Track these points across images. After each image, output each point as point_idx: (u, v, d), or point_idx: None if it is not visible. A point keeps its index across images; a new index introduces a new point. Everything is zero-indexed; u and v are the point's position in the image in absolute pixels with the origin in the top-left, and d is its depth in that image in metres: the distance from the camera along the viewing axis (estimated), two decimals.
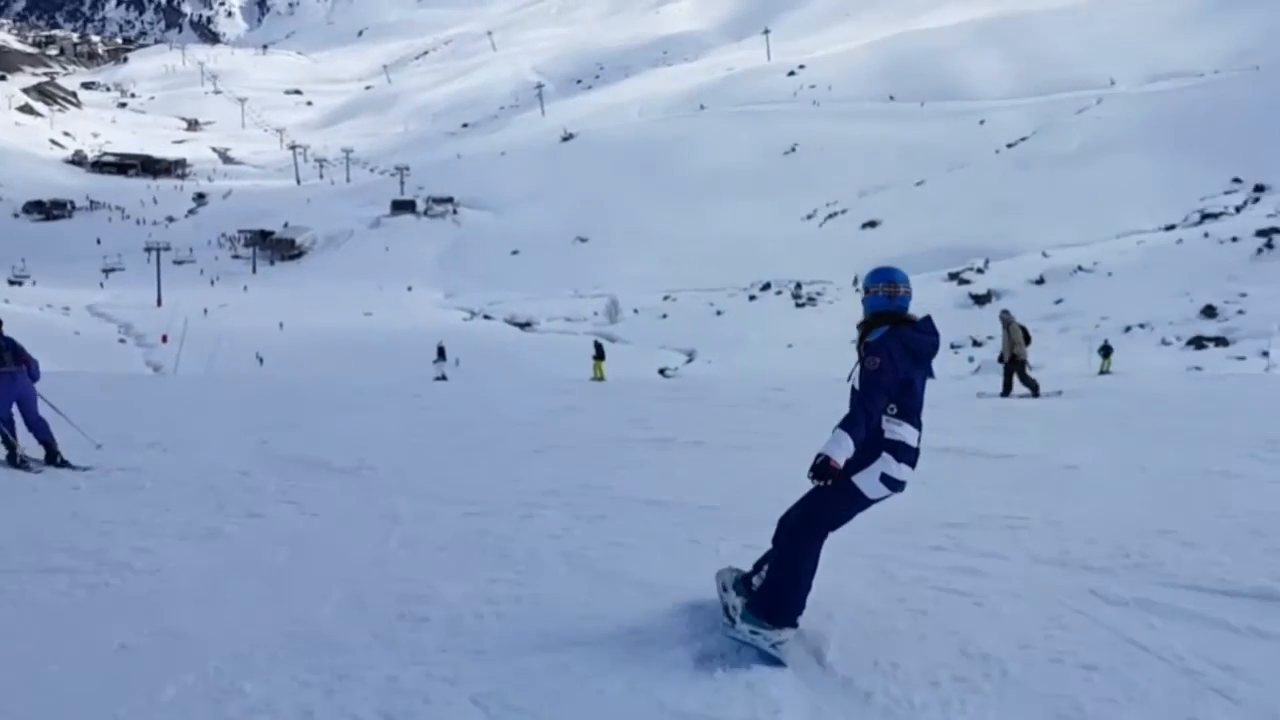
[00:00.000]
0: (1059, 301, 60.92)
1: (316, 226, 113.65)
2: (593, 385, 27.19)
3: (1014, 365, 18.82)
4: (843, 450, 4.60)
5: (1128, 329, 53.11)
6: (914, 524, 6.96)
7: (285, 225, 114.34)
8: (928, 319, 5.02)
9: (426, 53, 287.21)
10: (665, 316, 74.12)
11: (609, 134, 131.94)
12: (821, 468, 4.56)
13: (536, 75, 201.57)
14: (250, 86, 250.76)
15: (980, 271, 71.64)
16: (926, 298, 66.11)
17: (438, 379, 38.69)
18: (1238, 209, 73.95)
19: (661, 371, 55.13)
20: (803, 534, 5.00)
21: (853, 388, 4.85)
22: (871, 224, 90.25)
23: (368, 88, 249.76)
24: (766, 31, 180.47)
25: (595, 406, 17.28)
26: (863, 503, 4.94)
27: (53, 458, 10.49)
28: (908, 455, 4.91)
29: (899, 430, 4.89)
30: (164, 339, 64.84)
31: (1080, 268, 65.97)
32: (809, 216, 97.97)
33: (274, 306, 76.73)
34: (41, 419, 10.66)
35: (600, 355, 34.89)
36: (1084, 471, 9.32)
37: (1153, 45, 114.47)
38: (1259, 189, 76.48)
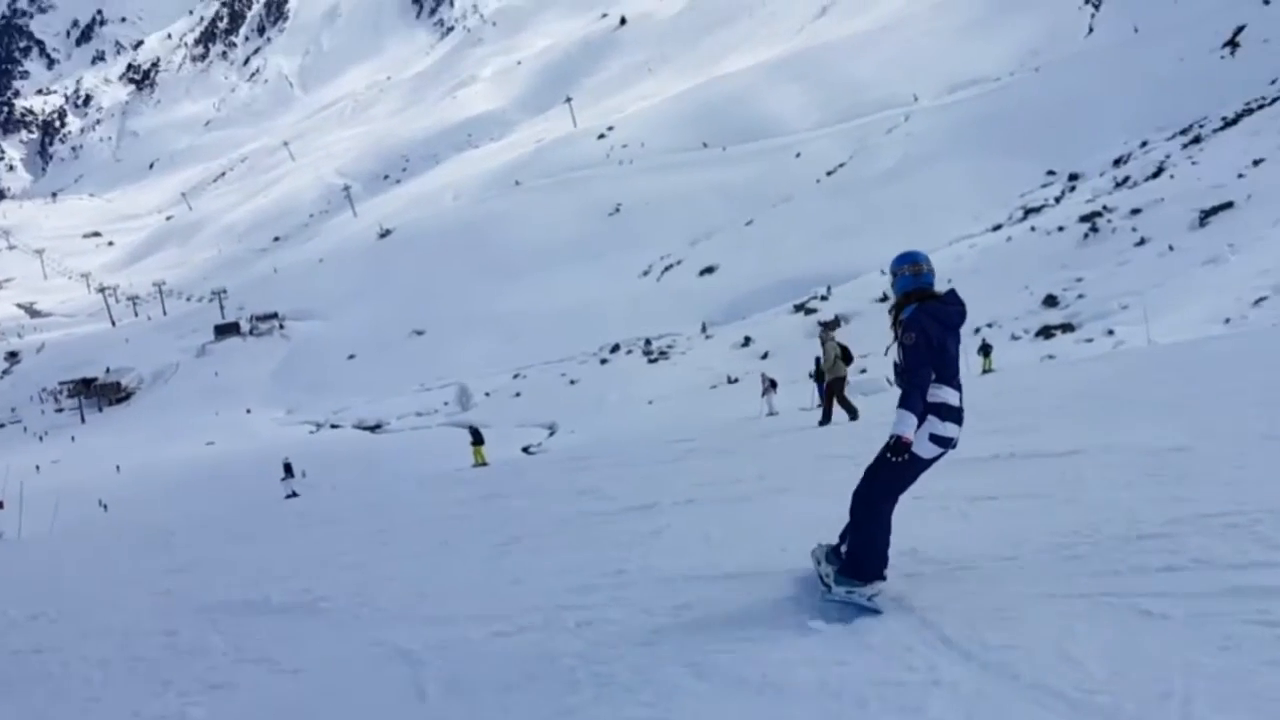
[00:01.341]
0: None
1: (140, 365, 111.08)
2: (485, 471, 26.03)
3: (833, 386, 17.97)
4: (909, 426, 5.31)
5: (977, 330, 54.03)
6: (1112, 543, 5.93)
7: (107, 370, 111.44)
8: (952, 291, 5.75)
9: (224, 174, 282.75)
10: (518, 395, 73.31)
11: (427, 223, 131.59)
12: (896, 446, 5.30)
13: (341, 178, 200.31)
14: (45, 236, 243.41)
15: (824, 299, 72.82)
16: (776, 331, 67.28)
17: (288, 496, 36.81)
18: (1057, 200, 77.17)
19: (525, 449, 54.08)
20: (875, 499, 5.67)
21: (895, 364, 5.57)
22: (709, 269, 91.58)
23: (168, 218, 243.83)
24: (569, 100, 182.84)
25: (518, 488, 15.89)
26: (920, 464, 5.59)
27: None
28: (952, 415, 5.55)
29: (940, 393, 5.52)
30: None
31: None
32: (645, 273, 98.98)
33: (109, 452, 74.03)
34: None
35: (478, 440, 34.09)
36: (1199, 452, 8.00)
37: (945, 58, 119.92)
38: (1073, 177, 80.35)
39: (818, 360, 36.35)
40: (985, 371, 35.10)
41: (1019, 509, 7.13)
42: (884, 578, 5.69)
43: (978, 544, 6.37)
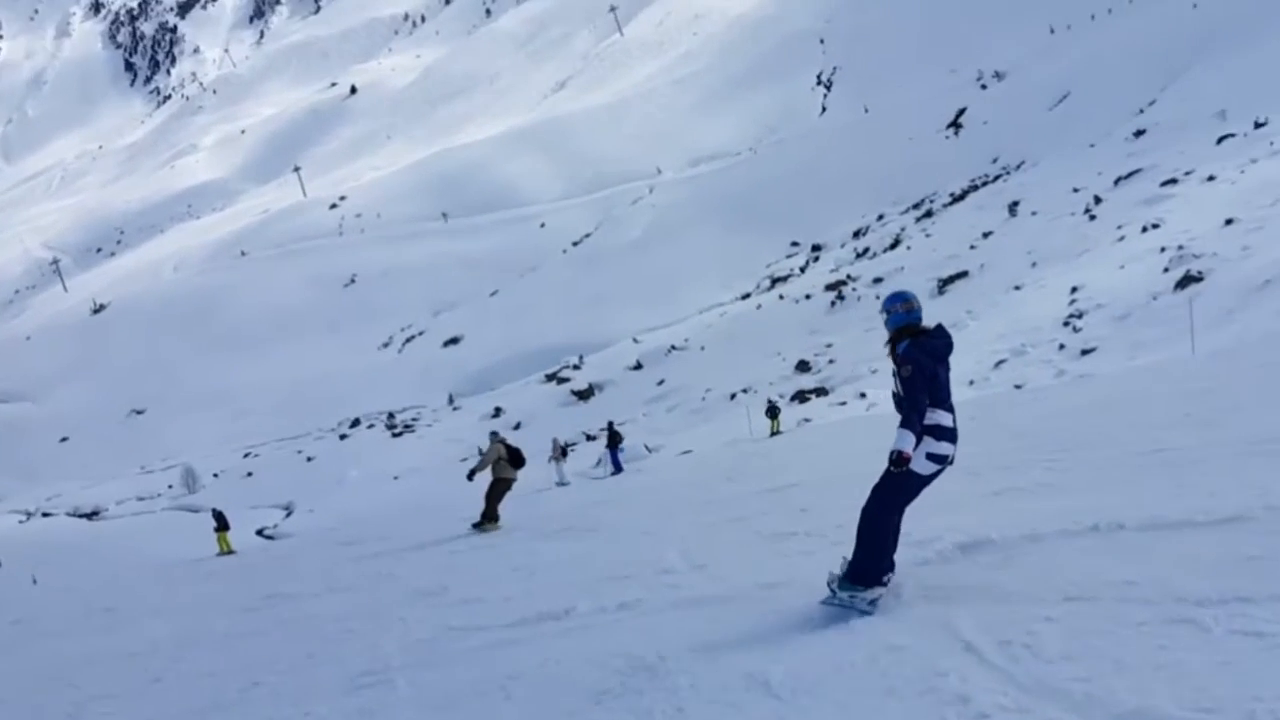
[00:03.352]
0: (661, 382, 62.79)
1: None
2: (236, 561, 23.94)
3: (495, 487, 17.66)
4: (908, 442, 6.16)
5: (733, 395, 55.21)
6: None
7: None
8: (939, 326, 6.72)
9: None
10: (250, 474, 69.67)
11: (145, 297, 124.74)
12: (897, 459, 6.14)
13: (49, 251, 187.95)
14: None
15: (576, 367, 72.98)
16: (528, 402, 66.74)
17: None
18: (802, 269, 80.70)
19: (260, 532, 51.17)
20: (879, 513, 6.50)
21: (895, 393, 6.53)
22: (454, 340, 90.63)
23: None
24: (297, 169, 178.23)
25: (302, 582, 13.98)
26: (920, 480, 6.48)
27: None
28: (947, 434, 6.47)
29: (934, 415, 6.42)
30: None
31: (674, 347, 68.67)
32: (385, 344, 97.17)
33: None
34: None
35: (223, 525, 31.91)
36: None
37: (686, 132, 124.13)
38: (816, 248, 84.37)
39: (610, 424, 36.02)
40: (773, 434, 35.39)
41: None
42: (885, 584, 6.57)
43: None
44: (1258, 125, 54.63)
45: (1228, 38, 70.66)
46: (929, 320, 6.79)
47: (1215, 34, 72.99)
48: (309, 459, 70.39)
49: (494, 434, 18.81)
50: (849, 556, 6.70)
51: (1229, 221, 41.57)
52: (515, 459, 17.93)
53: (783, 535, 9.70)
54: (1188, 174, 53.52)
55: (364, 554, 16.62)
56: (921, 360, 6.33)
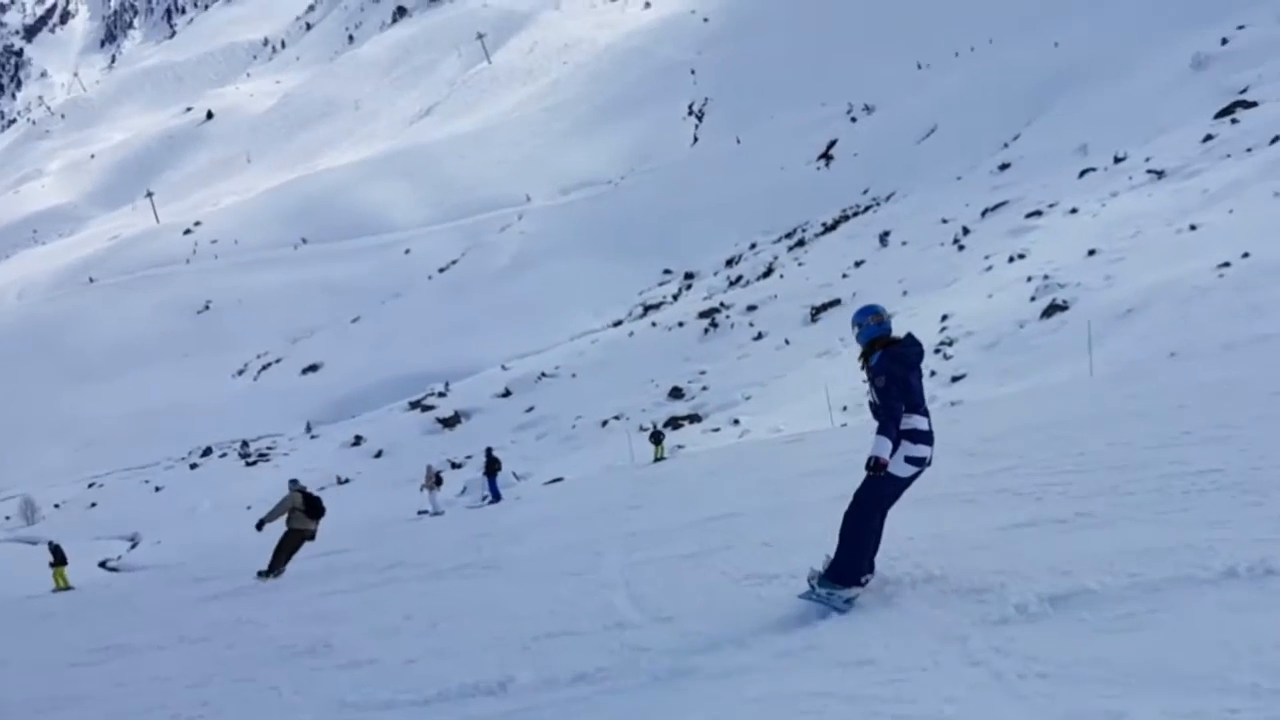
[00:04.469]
0: (530, 410, 61.95)
1: None
2: (72, 598, 22.57)
3: (288, 538, 16.62)
4: (885, 448, 6.52)
5: (604, 423, 54.75)
6: None
7: None
8: (909, 335, 7.05)
9: None
10: (94, 505, 66.52)
11: None
12: (874, 465, 6.50)
13: None
14: None
15: (442, 395, 71.68)
16: (390, 430, 65.45)
17: None
18: (675, 297, 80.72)
19: (103, 564, 48.83)
20: (860, 515, 6.70)
21: (871, 402, 6.95)
22: (313, 368, 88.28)
23: None
24: (150, 194, 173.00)
25: (143, 632, 12.01)
26: (899, 483, 6.76)
27: None
28: (923, 438, 6.78)
29: (910, 420, 6.72)
30: None
31: (544, 374, 67.87)
32: (240, 372, 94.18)
33: None
34: None
35: (60, 560, 30.30)
36: None
37: (556, 160, 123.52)
38: (689, 276, 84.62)
39: (488, 451, 35.29)
40: (657, 460, 35.08)
41: None
42: (862, 585, 6.78)
43: None
44: (1117, 160, 56.44)
45: (1088, 76, 73.12)
46: (898, 330, 7.15)
47: (1076, 72, 75.52)
48: (157, 489, 67.62)
49: (293, 482, 17.72)
50: (831, 555, 6.85)
51: (1092, 252, 42.60)
52: (313, 509, 16.75)
53: (762, 578, 8.11)
54: (1051, 206, 54.99)
55: (218, 593, 15.09)
56: (894, 370, 6.69)
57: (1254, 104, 53.32)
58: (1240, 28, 65.17)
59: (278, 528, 16.79)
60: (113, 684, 8.89)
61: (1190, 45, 65.24)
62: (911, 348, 6.91)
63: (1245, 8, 67.01)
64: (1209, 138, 51.53)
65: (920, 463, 6.74)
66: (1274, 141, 45.51)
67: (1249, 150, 46.48)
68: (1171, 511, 7.33)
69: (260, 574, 16.03)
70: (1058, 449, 11.37)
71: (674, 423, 52.99)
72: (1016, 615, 5.76)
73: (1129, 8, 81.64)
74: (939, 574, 6.52)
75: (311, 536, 17.01)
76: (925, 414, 6.82)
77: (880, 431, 6.55)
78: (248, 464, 69.41)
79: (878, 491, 6.66)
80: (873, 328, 7.06)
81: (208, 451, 75.23)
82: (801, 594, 6.85)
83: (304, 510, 16.68)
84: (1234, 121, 52.16)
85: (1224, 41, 64.28)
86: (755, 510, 12.67)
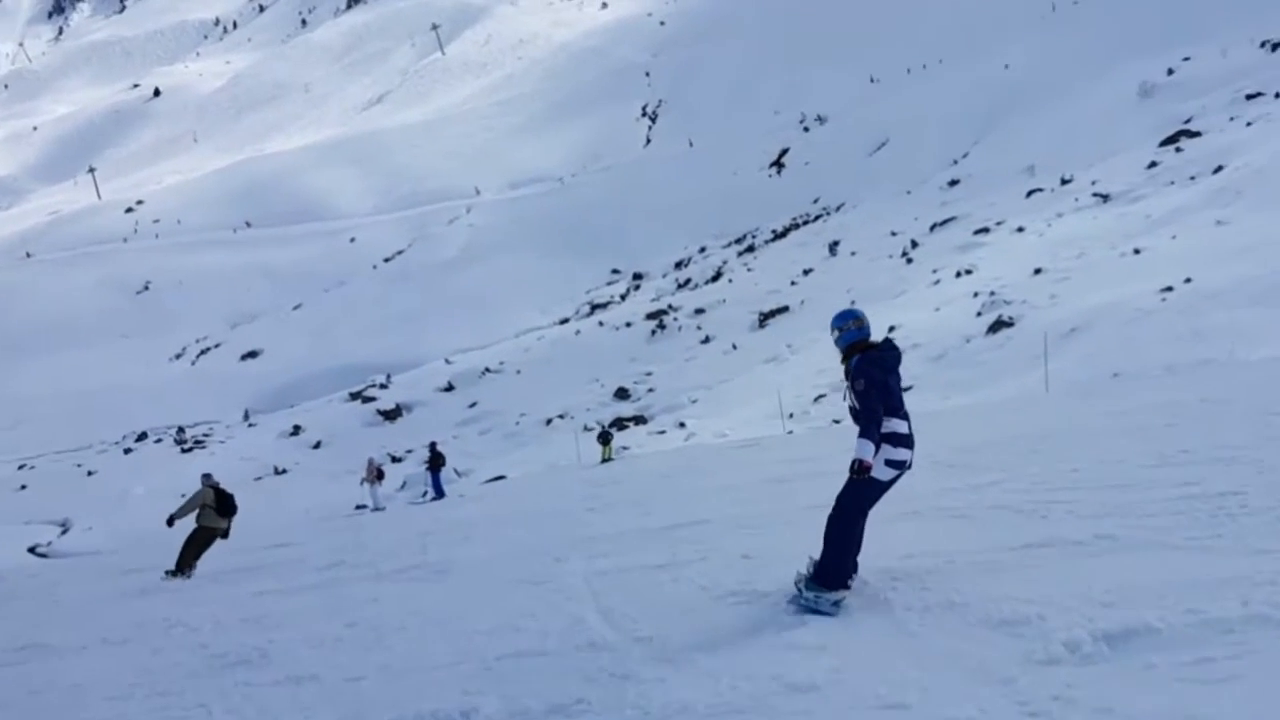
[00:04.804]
0: (473, 405, 61.42)
1: None
2: (1, 584, 21.70)
3: (197, 535, 15.99)
4: (867, 451, 6.54)
5: (549, 421, 54.42)
6: None
7: None
8: (887, 339, 7.16)
9: None
10: (24, 487, 64.67)
11: None
12: (858, 468, 6.54)
13: None
14: None
15: (384, 386, 70.81)
16: (330, 420, 64.73)
17: None
18: (623, 297, 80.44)
19: (32, 550, 47.62)
20: (843, 519, 6.77)
21: (850, 406, 6.99)
22: (252, 354, 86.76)
23: None
24: (92, 170, 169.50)
25: (74, 635, 10.93)
26: (880, 486, 6.80)
27: None
28: (904, 441, 6.85)
29: (890, 424, 6.78)
30: None
31: (488, 369, 67.32)
32: (178, 356, 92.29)
33: None
34: None
35: None
36: None
37: (506, 154, 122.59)
38: (638, 277, 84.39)
39: (433, 445, 34.68)
40: (605, 460, 34.79)
41: None
42: (849, 587, 6.87)
43: None
44: (1064, 182, 57.11)
45: (1036, 99, 74.02)
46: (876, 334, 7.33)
47: (1025, 94, 76.38)
48: (90, 473, 65.93)
49: (206, 476, 16.91)
50: (815, 558, 6.93)
51: (1038, 271, 43.07)
52: (225, 506, 16.16)
53: (748, 596, 7.57)
54: (999, 224, 55.54)
55: (146, 587, 14.38)
56: (873, 373, 6.77)
57: (1198, 134, 54.17)
58: (1185, 59, 66.21)
59: (189, 523, 16.16)
60: (27, 691, 8.24)
61: (1137, 74, 66.19)
62: (890, 352, 7.04)
63: (1191, 41, 68.13)
64: (1154, 164, 52.30)
65: (900, 466, 6.85)
66: (1217, 171, 46.20)
67: (1192, 178, 47.19)
68: (1204, 537, 6.94)
69: (168, 573, 15.37)
70: (1044, 463, 11.02)
71: (619, 423, 52.80)
72: (1068, 655, 5.17)
73: (1078, 35, 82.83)
74: (957, 600, 6.11)
75: (225, 534, 16.45)
76: (905, 417, 6.92)
77: (862, 435, 6.60)
78: (183, 450, 68.06)
79: (860, 494, 6.76)
80: (853, 332, 7.16)
81: (143, 436, 73.61)
82: (789, 598, 6.93)
83: (215, 507, 16.12)
84: (1178, 150, 52.98)
85: (1170, 72, 65.24)
86: (724, 519, 12.04)
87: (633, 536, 11.81)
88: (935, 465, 11.96)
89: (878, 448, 6.63)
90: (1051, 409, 19.05)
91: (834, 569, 6.74)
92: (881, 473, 6.72)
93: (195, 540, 15.91)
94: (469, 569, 11.64)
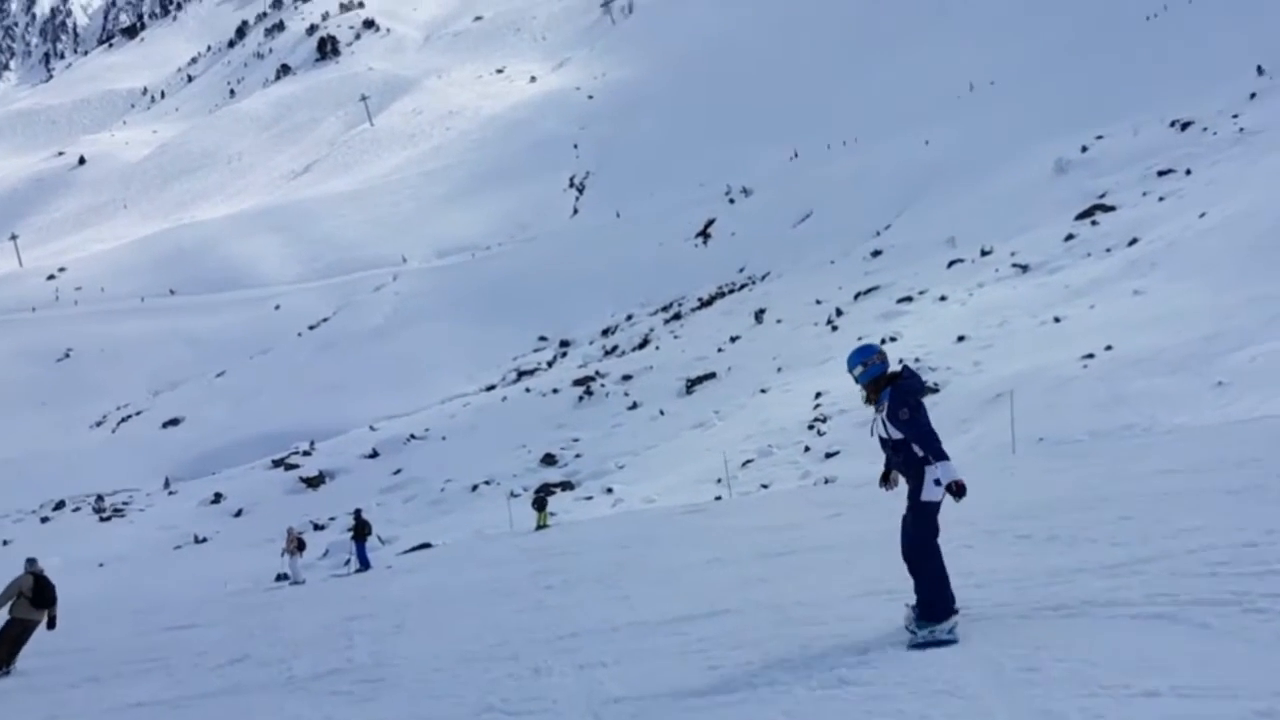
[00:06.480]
0: (398, 472, 60.14)
1: None
2: None
3: (10, 628, 14.54)
4: (951, 470, 6.78)
5: (475, 487, 53.39)
6: None
7: None
8: (906, 367, 7.35)
9: None
10: None
11: None
12: (956, 490, 6.75)
13: None
14: None
15: (307, 454, 69.33)
16: (251, 487, 63.10)
17: None
18: (550, 364, 79.86)
19: None
20: (925, 550, 6.87)
21: (881, 438, 7.24)
22: (174, 421, 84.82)
23: None
24: (14, 237, 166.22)
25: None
26: (934, 508, 6.89)
27: None
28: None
29: None
30: None
31: (413, 436, 66.19)
32: (99, 423, 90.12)
33: None
34: None
35: None
36: None
37: (433, 223, 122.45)
38: (564, 344, 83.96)
39: (358, 513, 33.22)
40: (540, 527, 33.42)
41: None
42: (957, 611, 6.80)
43: None
44: (984, 253, 57.72)
45: (956, 173, 75.34)
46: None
47: (945, 169, 77.69)
48: (4, 542, 63.54)
49: (30, 561, 15.20)
50: (912, 601, 6.95)
51: (961, 338, 43.22)
52: (42, 597, 14.48)
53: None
54: (921, 293, 55.93)
55: (19, 687, 12.82)
56: (911, 401, 6.93)
57: (1112, 208, 55.12)
58: (1099, 137, 67.64)
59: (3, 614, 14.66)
60: None
61: (1052, 151, 67.45)
62: (914, 379, 7.19)
63: (1103, 121, 69.75)
64: (1070, 237, 53.04)
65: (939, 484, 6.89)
66: (1132, 243, 46.87)
67: (1108, 250, 47.84)
68: None
69: None
70: (1109, 533, 9.59)
71: (546, 489, 52.03)
72: None
73: (995, 115, 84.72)
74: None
75: (51, 624, 14.81)
76: None
77: (937, 457, 6.71)
78: (102, 519, 65.94)
79: (929, 520, 6.82)
80: (878, 366, 7.28)
81: (60, 505, 71.28)
82: (910, 644, 6.78)
83: (30, 598, 14.47)
84: (1094, 223, 53.80)
85: (1084, 149, 66.56)
86: (750, 606, 9.49)
87: (631, 635, 9.25)
88: (983, 534, 11.17)
89: (921, 475, 6.81)
90: (1059, 473, 16.85)
91: (937, 600, 6.74)
92: (933, 494, 6.80)
93: (7, 634, 14.36)
94: (409, 681, 9.00)
